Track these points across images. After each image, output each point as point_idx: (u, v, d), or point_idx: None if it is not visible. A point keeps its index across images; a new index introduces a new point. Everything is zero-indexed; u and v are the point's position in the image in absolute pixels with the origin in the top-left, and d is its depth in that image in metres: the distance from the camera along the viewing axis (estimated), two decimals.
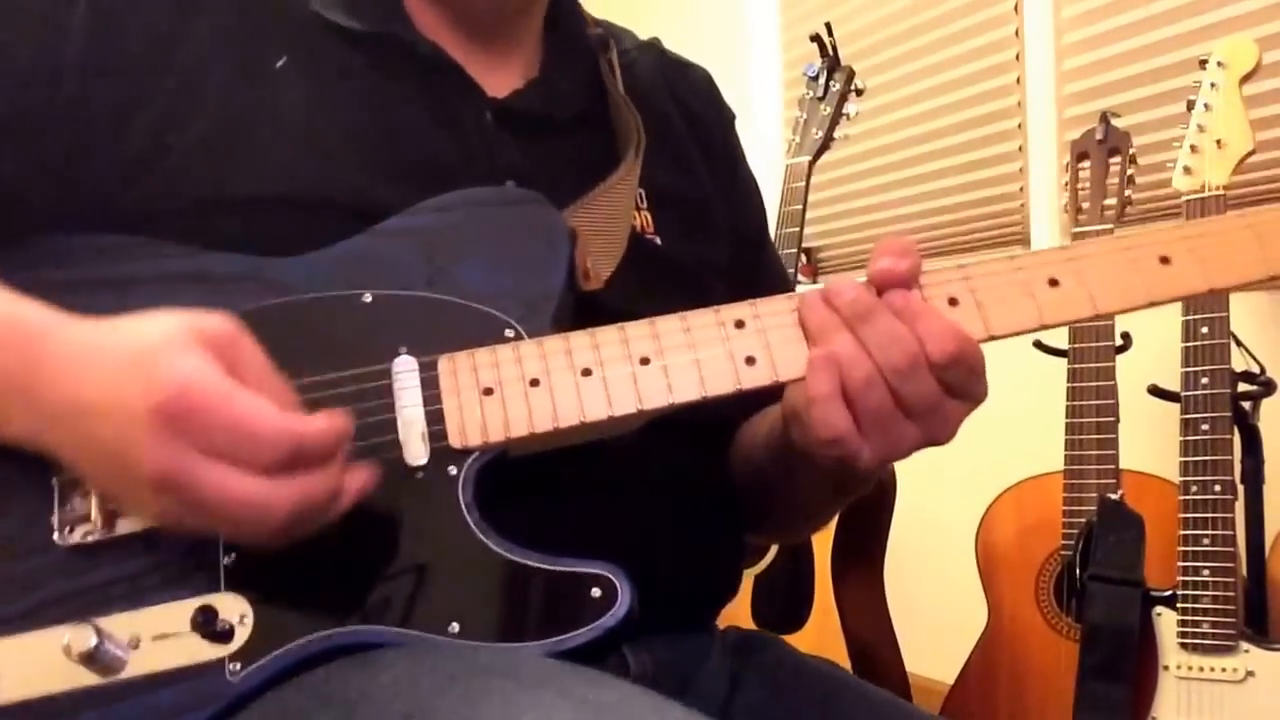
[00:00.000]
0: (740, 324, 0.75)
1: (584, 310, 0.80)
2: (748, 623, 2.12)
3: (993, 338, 0.74)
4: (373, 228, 0.78)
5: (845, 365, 0.71)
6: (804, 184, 2.23)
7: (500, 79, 0.91)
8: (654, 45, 1.09)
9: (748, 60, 3.23)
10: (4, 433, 0.69)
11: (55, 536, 0.71)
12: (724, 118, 1.10)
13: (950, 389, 0.72)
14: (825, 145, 2.28)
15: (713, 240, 0.99)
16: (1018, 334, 0.75)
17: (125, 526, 0.71)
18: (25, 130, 0.78)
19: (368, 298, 0.75)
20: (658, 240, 0.93)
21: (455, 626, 0.69)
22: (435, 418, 0.73)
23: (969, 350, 0.71)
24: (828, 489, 0.91)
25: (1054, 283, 0.75)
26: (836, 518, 2.09)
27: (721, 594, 0.97)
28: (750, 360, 0.74)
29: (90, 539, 0.70)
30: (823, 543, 2.12)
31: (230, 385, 0.64)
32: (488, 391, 0.73)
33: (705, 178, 1.01)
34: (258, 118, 0.81)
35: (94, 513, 0.70)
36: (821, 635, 2.07)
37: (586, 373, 0.73)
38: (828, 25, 2.36)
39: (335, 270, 0.76)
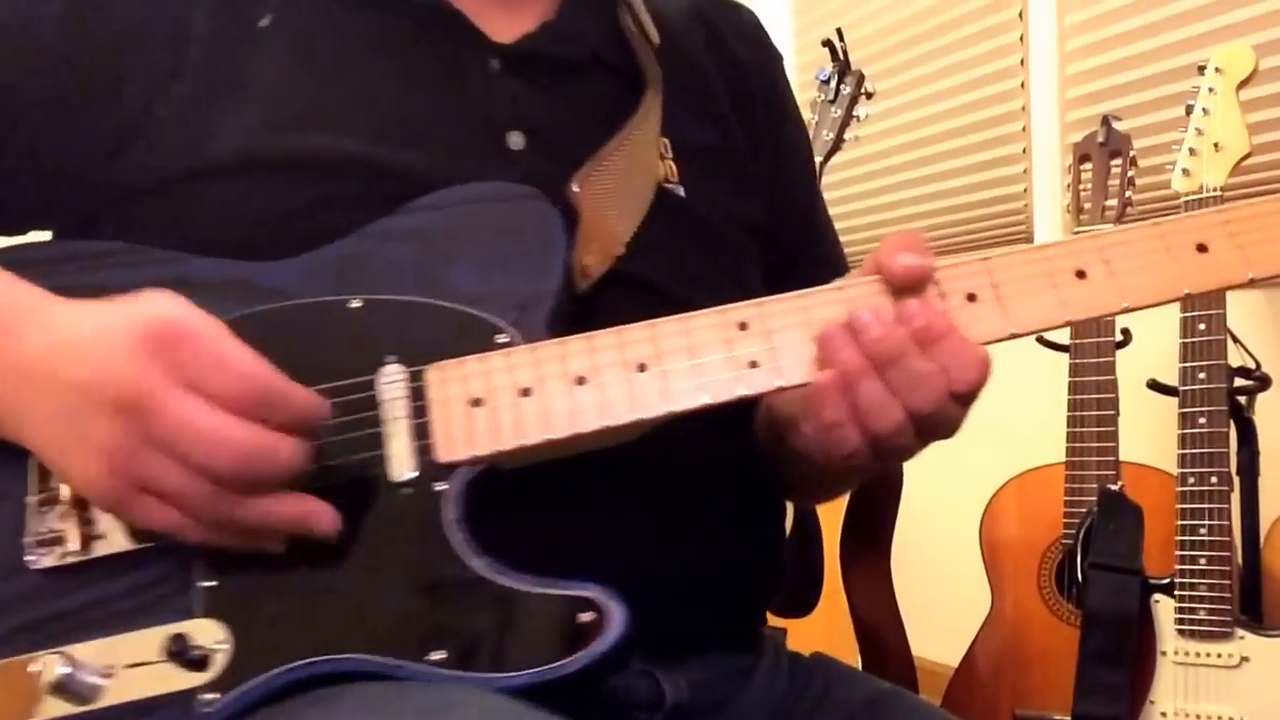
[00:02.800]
0: (744, 325, 0.69)
1: (602, 279, 0.77)
2: None
3: (1014, 335, 0.70)
4: (362, 229, 0.74)
5: (864, 402, 0.67)
6: None
7: (511, 24, 0.85)
8: None
9: None
10: None
11: (28, 558, 0.67)
12: (770, 61, 1.01)
13: (965, 403, 0.69)
14: (836, 147, 2.28)
15: (744, 194, 0.91)
16: (1042, 331, 0.70)
17: (102, 548, 0.67)
18: (4, 111, 0.76)
19: (356, 303, 0.71)
20: (681, 192, 0.86)
21: (438, 655, 0.64)
22: (422, 431, 0.68)
23: (988, 372, 0.68)
24: (822, 478, 0.87)
25: (1081, 275, 0.70)
26: (846, 507, 2.11)
27: (755, 608, 0.91)
28: (753, 364, 0.69)
29: (66, 562, 0.67)
30: (832, 530, 2.12)
31: (217, 327, 0.63)
32: (476, 402, 0.68)
33: (737, 127, 0.93)
34: (237, 79, 0.77)
35: (70, 533, 0.67)
36: (830, 620, 2.06)
37: (580, 381, 0.68)
38: (839, 31, 2.36)
39: (324, 274, 0.72)
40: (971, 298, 0.69)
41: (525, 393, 0.68)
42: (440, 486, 0.67)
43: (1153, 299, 0.69)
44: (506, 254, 0.73)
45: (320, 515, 0.65)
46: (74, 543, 0.67)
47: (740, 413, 0.77)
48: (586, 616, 0.65)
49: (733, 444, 0.86)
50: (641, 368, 0.68)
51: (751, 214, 0.91)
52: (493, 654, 0.65)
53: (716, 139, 0.92)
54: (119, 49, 0.77)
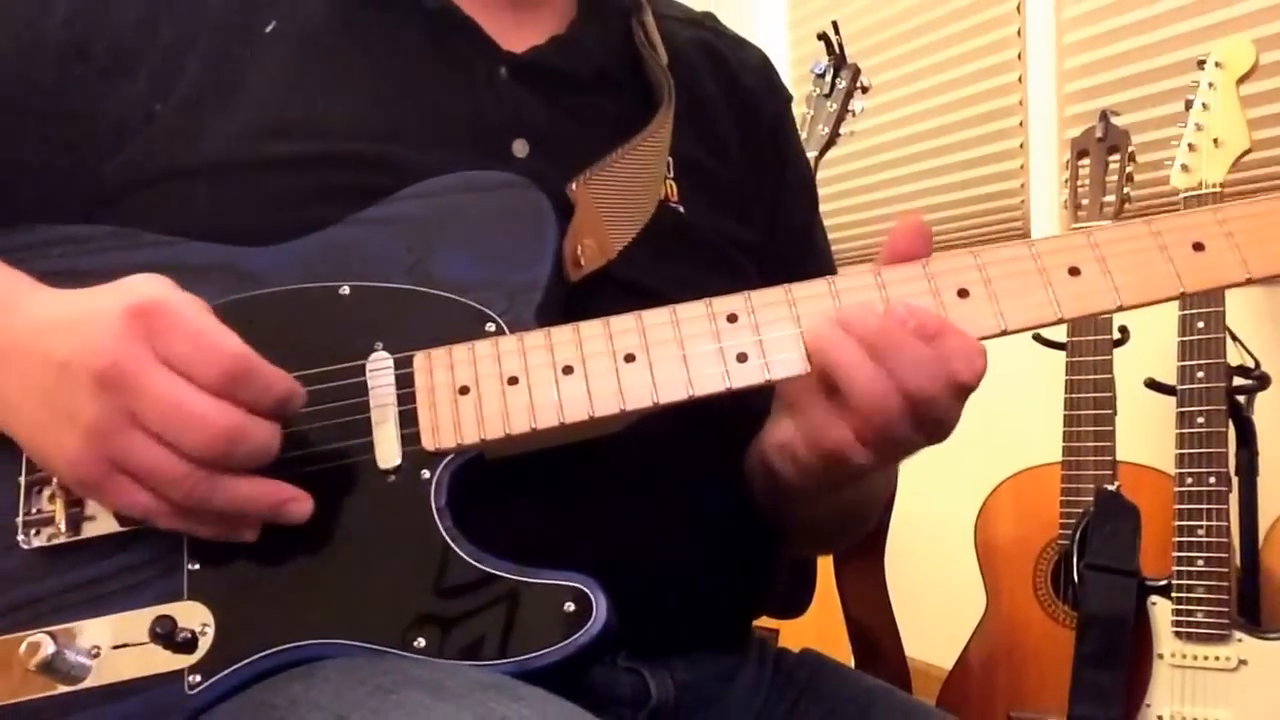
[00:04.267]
0: (733, 318, 0.69)
1: (594, 281, 0.76)
2: None
3: (1006, 332, 0.69)
4: (352, 215, 0.74)
5: (866, 402, 0.66)
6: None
7: (522, 35, 0.85)
8: (705, 19, 1.02)
9: None
10: None
11: (19, 538, 0.68)
12: (778, 101, 1.01)
13: (964, 397, 0.68)
14: (831, 141, 2.28)
15: (741, 219, 0.91)
16: (1034, 328, 0.69)
17: (91, 529, 0.68)
18: (11, 105, 0.77)
19: (345, 290, 0.72)
20: (681, 209, 0.86)
21: (421, 642, 0.65)
22: (409, 418, 0.68)
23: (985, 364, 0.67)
24: (824, 503, 0.83)
25: (1075, 272, 0.69)
26: None
27: (747, 608, 0.90)
28: (742, 357, 0.68)
29: (55, 542, 0.68)
30: None
31: (200, 306, 0.64)
32: (463, 390, 0.68)
33: (741, 161, 0.93)
34: (238, 81, 0.78)
35: (59, 514, 0.68)
36: (823, 621, 2.06)
37: (568, 370, 0.68)
38: (834, 24, 2.36)
39: (313, 260, 0.73)
40: (963, 294, 0.69)
41: (512, 381, 0.68)
42: (426, 474, 0.68)
43: (1148, 297, 0.69)
44: (497, 242, 0.73)
45: (294, 503, 0.66)
46: (62, 523, 0.68)
47: (731, 410, 0.75)
48: (570, 606, 0.65)
49: (725, 441, 0.85)
50: (629, 358, 0.68)
51: (748, 238, 0.91)
52: (475, 641, 0.65)
53: (717, 165, 0.92)
54: (123, 48, 0.78)
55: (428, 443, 0.68)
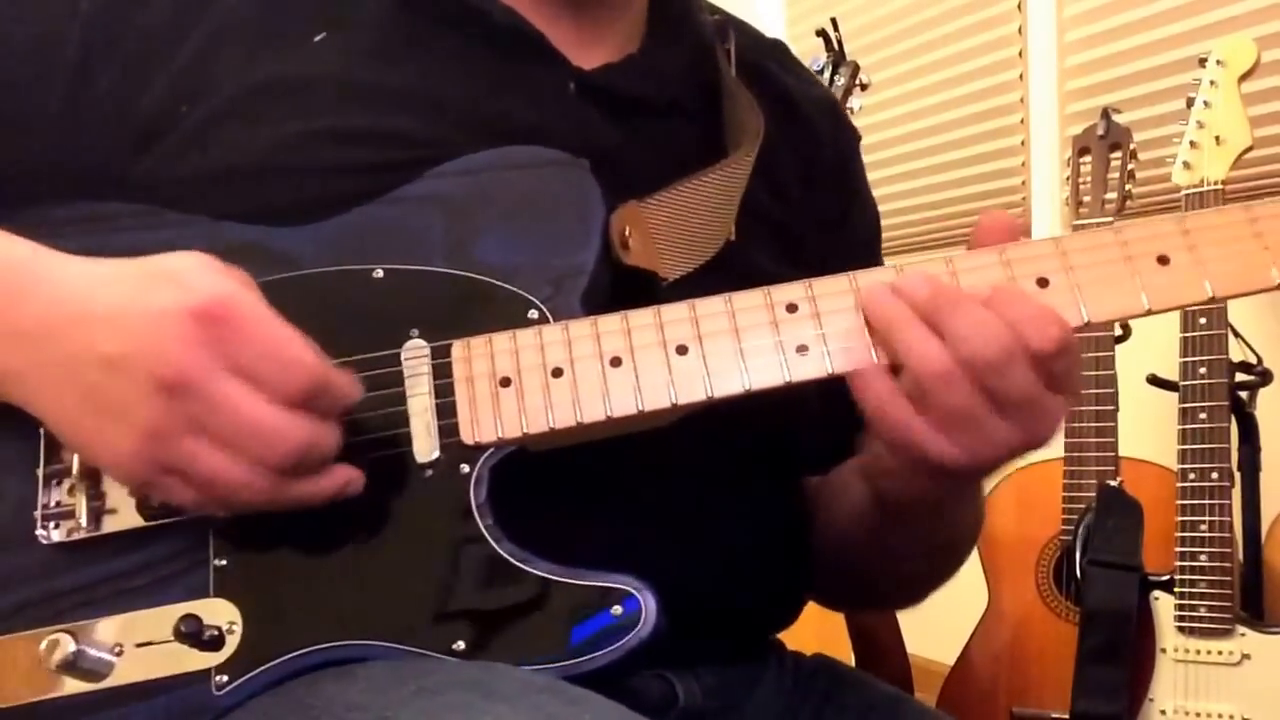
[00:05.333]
0: (793, 308, 0.65)
1: (643, 284, 0.73)
2: None
3: (1089, 325, 0.64)
4: (389, 194, 0.70)
5: (915, 361, 0.62)
6: None
7: (592, 53, 0.82)
8: (777, 47, 0.97)
9: None
10: None
11: (39, 531, 0.66)
12: (847, 141, 0.99)
13: (1052, 380, 0.62)
14: None
15: (797, 265, 0.83)
16: (1120, 320, 0.65)
17: (112, 524, 0.65)
18: (26, 107, 0.74)
19: (379, 273, 0.68)
20: (741, 249, 0.82)
21: (460, 644, 0.63)
22: (446, 410, 0.65)
23: (1072, 337, 0.62)
24: (924, 525, 0.78)
25: (1164, 260, 0.64)
26: None
27: (778, 619, 0.89)
28: (802, 349, 0.64)
29: (75, 537, 0.65)
30: None
31: (268, 308, 0.60)
32: (505, 382, 0.65)
33: (801, 203, 0.90)
34: (283, 88, 0.74)
35: (80, 507, 0.65)
36: (823, 616, 2.04)
37: (616, 362, 0.65)
38: (833, 20, 2.34)
39: (347, 241, 0.69)
40: (1043, 283, 0.64)
41: (557, 373, 0.65)
42: (465, 469, 0.65)
43: (1241, 287, 0.64)
44: (541, 224, 0.70)
45: (351, 485, 0.63)
46: (83, 517, 0.65)
47: (770, 419, 0.74)
48: (619, 609, 0.63)
49: (763, 452, 0.83)
50: (682, 350, 0.65)
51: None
52: (518, 645, 0.63)
53: (777, 209, 0.88)
54: (143, 53, 0.75)
55: (466, 436, 0.65)
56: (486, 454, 0.66)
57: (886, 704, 0.86)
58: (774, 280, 0.75)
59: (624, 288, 0.71)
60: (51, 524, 0.66)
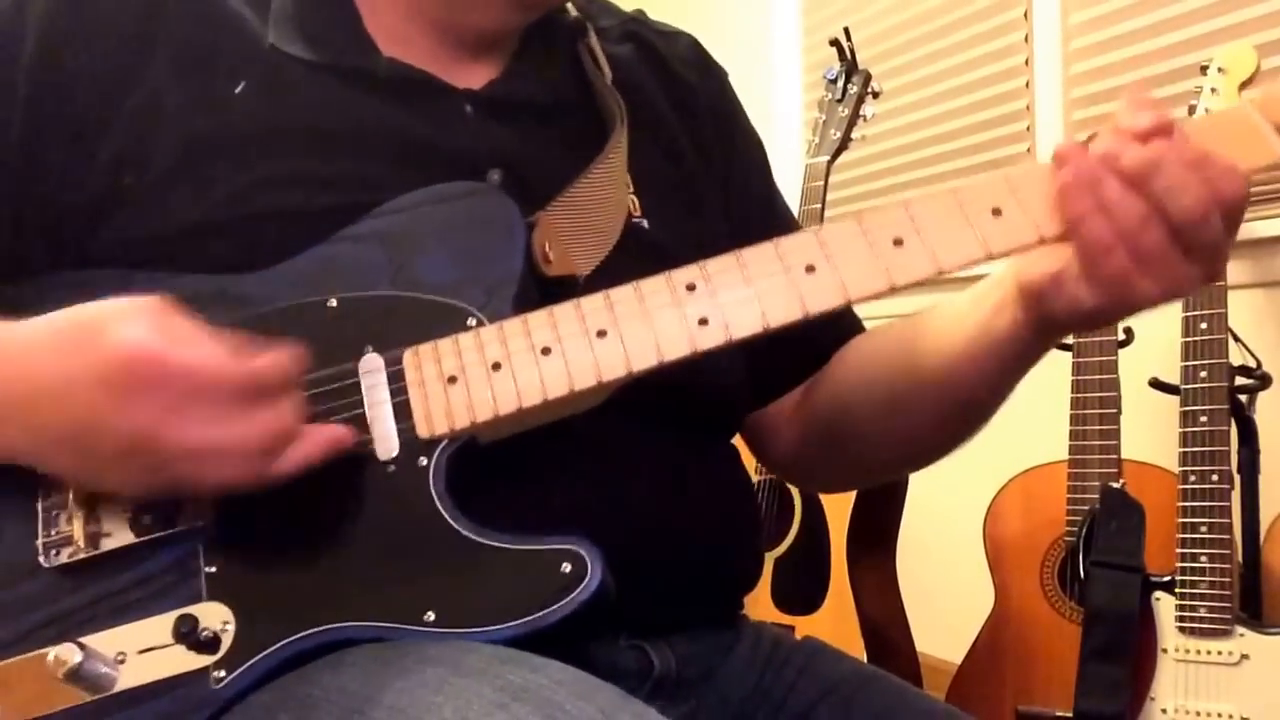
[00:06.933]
0: (691, 287, 0.73)
1: (567, 290, 0.78)
2: (767, 604, 2.15)
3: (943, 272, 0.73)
4: (335, 234, 0.77)
5: (1119, 213, 0.68)
6: (823, 183, 2.24)
7: (475, 72, 0.89)
8: (636, 19, 1.04)
9: (770, 64, 3.25)
10: None
11: (41, 559, 0.70)
12: (713, 79, 1.05)
13: (1231, 230, 0.70)
14: (843, 146, 2.28)
15: (706, 218, 0.95)
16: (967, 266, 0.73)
17: (109, 544, 0.70)
18: None
19: (333, 302, 0.75)
20: (645, 224, 0.90)
21: (431, 615, 0.68)
22: (403, 410, 0.72)
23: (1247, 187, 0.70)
24: (1010, 369, 0.83)
25: (997, 212, 0.73)
26: (851, 506, 2.12)
27: (740, 584, 0.94)
28: (703, 321, 0.72)
29: (75, 559, 0.70)
30: (838, 529, 2.13)
31: (173, 339, 0.65)
32: (451, 379, 0.72)
33: (690, 151, 0.97)
34: (217, 144, 0.80)
35: (78, 533, 0.70)
36: (836, 616, 2.08)
37: (546, 351, 0.72)
38: (846, 30, 2.37)
39: (300, 279, 0.76)
40: (898, 242, 0.74)
41: (496, 366, 0.72)
42: (424, 461, 0.71)
43: (963, 260, 0.73)
44: (472, 244, 0.77)
45: (343, 439, 0.70)
46: (81, 540, 0.70)
47: (709, 390, 0.83)
48: (567, 567, 0.68)
49: (705, 418, 0.90)
50: (601, 334, 0.72)
51: (714, 237, 0.91)
52: (480, 611, 0.69)
53: (672, 168, 0.96)
54: (85, 123, 0.79)
55: (422, 431, 0.71)
56: (441, 446, 0.72)
57: (859, 679, 0.90)
58: (679, 246, 0.84)
59: (548, 291, 0.78)
60: (52, 551, 0.71)
